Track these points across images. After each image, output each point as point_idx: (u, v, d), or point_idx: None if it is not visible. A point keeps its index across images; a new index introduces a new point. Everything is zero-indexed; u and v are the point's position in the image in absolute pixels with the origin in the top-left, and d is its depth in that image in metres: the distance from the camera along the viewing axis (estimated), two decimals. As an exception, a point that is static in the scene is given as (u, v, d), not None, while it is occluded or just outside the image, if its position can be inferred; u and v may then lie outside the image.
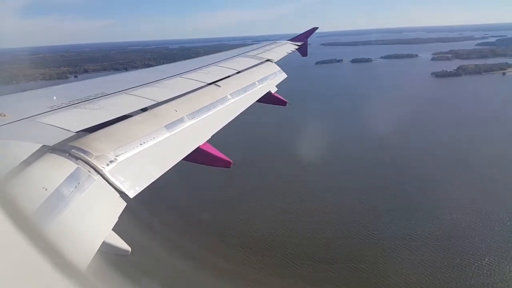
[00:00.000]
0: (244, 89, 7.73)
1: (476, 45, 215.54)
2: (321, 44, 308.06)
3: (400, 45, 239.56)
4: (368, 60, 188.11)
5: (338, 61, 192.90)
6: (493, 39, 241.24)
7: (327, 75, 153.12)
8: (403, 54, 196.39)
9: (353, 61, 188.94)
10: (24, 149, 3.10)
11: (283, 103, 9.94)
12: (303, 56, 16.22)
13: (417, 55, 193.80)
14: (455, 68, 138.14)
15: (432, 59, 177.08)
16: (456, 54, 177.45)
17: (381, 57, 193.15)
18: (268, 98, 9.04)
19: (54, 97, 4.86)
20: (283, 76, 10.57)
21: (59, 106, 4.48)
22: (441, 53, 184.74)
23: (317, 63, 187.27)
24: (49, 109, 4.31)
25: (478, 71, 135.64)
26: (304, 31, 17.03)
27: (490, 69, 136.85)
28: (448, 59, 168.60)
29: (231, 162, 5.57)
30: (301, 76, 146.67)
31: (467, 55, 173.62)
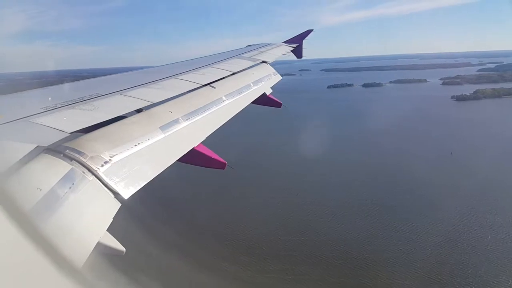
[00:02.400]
0: (239, 91, 7.72)
1: (477, 71, 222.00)
2: (322, 70, 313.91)
3: (402, 71, 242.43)
4: (379, 85, 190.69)
5: (349, 85, 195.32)
6: (491, 65, 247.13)
7: (348, 99, 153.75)
8: (413, 79, 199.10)
9: (365, 85, 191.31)
10: (19, 149, 3.09)
11: (278, 104, 9.92)
12: (298, 58, 16.16)
13: (425, 80, 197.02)
14: (472, 92, 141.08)
15: (443, 83, 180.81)
16: (465, 79, 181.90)
17: (391, 82, 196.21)
18: (263, 100, 9.06)
19: (49, 98, 4.79)
20: (278, 78, 10.62)
21: (53, 107, 4.44)
22: (449, 78, 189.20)
23: (328, 87, 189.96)
24: (43, 110, 4.28)
25: (497, 95, 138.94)
26: (299, 33, 16.91)
27: (508, 93, 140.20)
28: (459, 83, 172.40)
29: (225, 164, 5.56)
30: (324, 101, 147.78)
31: (476, 80, 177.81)
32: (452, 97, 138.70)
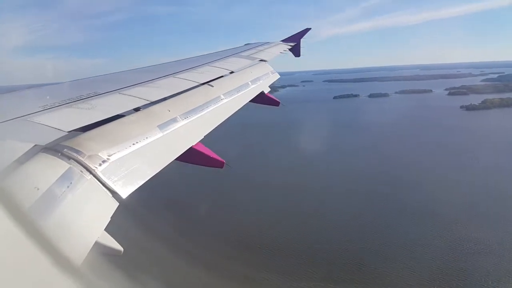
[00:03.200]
0: (237, 89, 7.71)
1: (481, 81, 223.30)
2: (324, 81, 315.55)
3: (405, 82, 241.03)
4: (385, 95, 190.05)
5: (355, 95, 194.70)
6: (493, 76, 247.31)
7: (357, 109, 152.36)
8: (418, 89, 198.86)
9: (371, 96, 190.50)
10: (16, 148, 3.08)
11: (276, 103, 9.95)
12: (296, 56, 16.16)
13: (431, 90, 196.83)
14: (480, 102, 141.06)
15: (449, 93, 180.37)
16: (470, 89, 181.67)
17: (396, 92, 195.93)
18: (261, 99, 9.07)
19: (47, 97, 4.77)
20: (276, 76, 10.58)
21: (51, 106, 4.41)
22: (454, 88, 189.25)
23: (335, 97, 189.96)
24: (41, 109, 4.25)
25: (505, 104, 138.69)
26: (296, 32, 16.95)
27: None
28: (465, 93, 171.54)
29: (223, 162, 5.57)
30: (332, 111, 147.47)
31: (482, 90, 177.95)
32: (461, 107, 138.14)
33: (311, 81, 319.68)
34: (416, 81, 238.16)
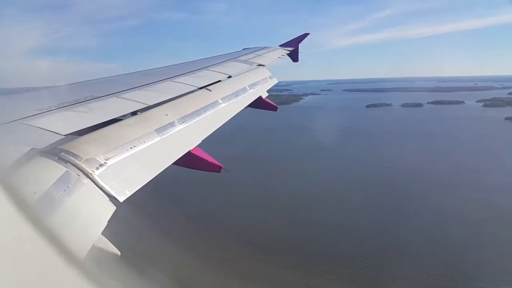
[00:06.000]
0: (235, 94, 7.70)
1: (508, 94, 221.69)
2: (344, 90, 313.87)
3: (430, 93, 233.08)
4: (419, 105, 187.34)
5: (388, 105, 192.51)
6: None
7: (399, 118, 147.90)
8: (451, 100, 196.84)
9: (404, 105, 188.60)
10: (13, 151, 3.07)
11: (274, 108, 9.96)
12: (294, 61, 15.92)
13: (463, 101, 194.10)
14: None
15: (484, 105, 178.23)
16: (504, 102, 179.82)
17: (429, 103, 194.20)
18: (259, 103, 9.13)
19: (43, 100, 4.80)
20: (274, 81, 10.59)
21: (48, 109, 4.38)
22: (487, 100, 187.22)
23: (367, 106, 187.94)
24: (38, 112, 4.22)
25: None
26: (295, 37, 16.69)
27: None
28: (500, 105, 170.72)
29: (221, 167, 5.60)
30: (373, 119, 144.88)
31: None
32: (507, 118, 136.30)
33: (330, 90, 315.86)
34: (440, 93, 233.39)
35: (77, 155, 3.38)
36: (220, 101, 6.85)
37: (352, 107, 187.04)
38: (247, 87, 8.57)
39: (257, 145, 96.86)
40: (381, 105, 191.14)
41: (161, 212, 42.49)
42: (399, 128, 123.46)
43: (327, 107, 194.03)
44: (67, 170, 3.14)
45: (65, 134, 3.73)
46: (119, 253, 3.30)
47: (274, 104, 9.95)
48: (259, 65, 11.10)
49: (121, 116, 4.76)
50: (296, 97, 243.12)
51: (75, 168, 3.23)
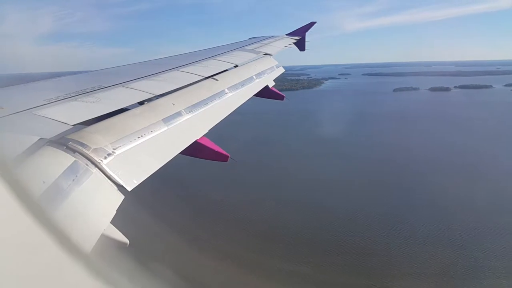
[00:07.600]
0: (242, 83, 7.69)
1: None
2: (363, 74, 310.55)
3: (454, 77, 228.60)
4: (447, 89, 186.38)
5: (415, 89, 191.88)
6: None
7: (433, 102, 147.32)
8: (478, 84, 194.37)
9: (431, 89, 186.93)
10: (21, 142, 3.08)
11: (280, 97, 9.94)
12: (300, 50, 15.86)
13: (491, 86, 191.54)
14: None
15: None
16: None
17: (456, 87, 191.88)
18: (265, 93, 9.05)
19: (51, 90, 4.78)
20: (281, 70, 10.50)
21: (56, 99, 4.40)
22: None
23: (394, 90, 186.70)
24: (46, 102, 4.24)
25: None
26: (301, 26, 16.60)
27: None
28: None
29: (228, 156, 5.60)
30: (407, 102, 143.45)
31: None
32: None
33: (349, 74, 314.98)
34: (463, 77, 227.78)
35: (85, 144, 3.41)
36: (226, 90, 6.86)
37: (378, 91, 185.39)
38: (254, 76, 8.57)
39: (311, 126, 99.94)
40: (407, 89, 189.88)
41: (167, 202, 43.76)
42: (442, 113, 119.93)
43: (355, 91, 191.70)
44: (75, 160, 3.17)
45: (73, 124, 3.75)
46: (127, 241, 3.31)
47: (281, 94, 9.94)
48: (266, 54, 11.06)
49: (128, 106, 4.78)
50: (317, 82, 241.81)
51: (83, 157, 3.26)
